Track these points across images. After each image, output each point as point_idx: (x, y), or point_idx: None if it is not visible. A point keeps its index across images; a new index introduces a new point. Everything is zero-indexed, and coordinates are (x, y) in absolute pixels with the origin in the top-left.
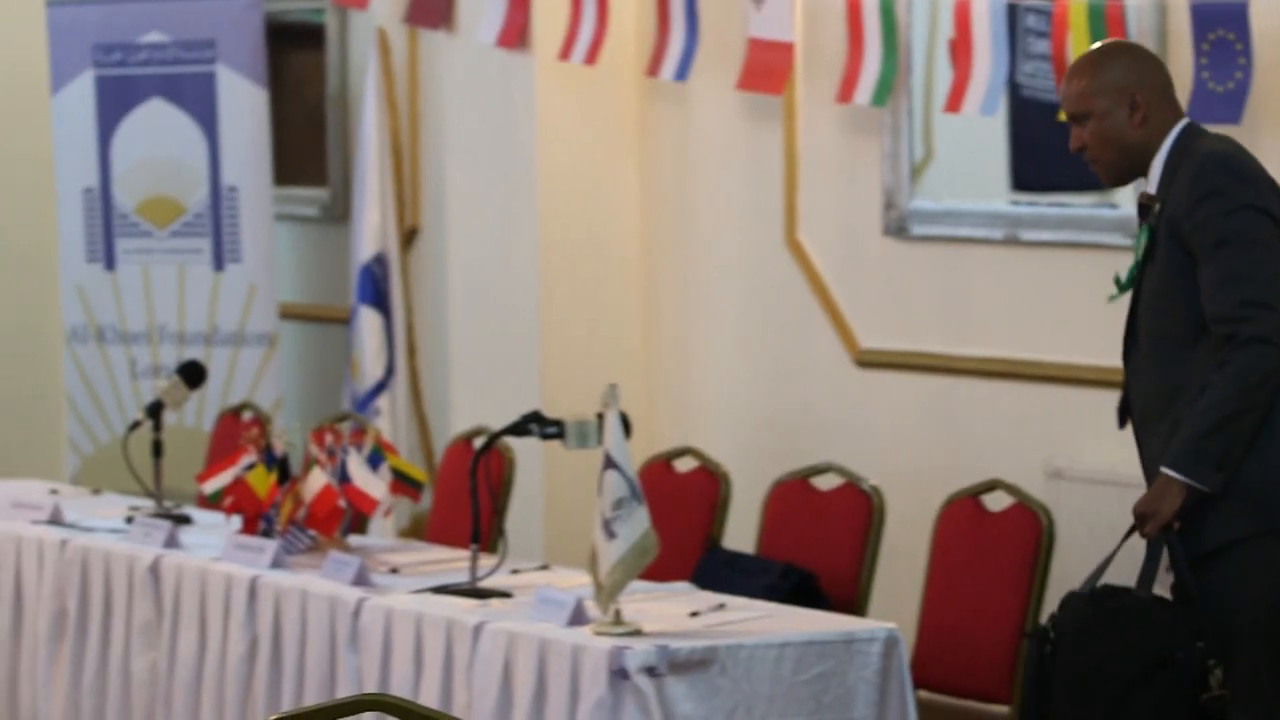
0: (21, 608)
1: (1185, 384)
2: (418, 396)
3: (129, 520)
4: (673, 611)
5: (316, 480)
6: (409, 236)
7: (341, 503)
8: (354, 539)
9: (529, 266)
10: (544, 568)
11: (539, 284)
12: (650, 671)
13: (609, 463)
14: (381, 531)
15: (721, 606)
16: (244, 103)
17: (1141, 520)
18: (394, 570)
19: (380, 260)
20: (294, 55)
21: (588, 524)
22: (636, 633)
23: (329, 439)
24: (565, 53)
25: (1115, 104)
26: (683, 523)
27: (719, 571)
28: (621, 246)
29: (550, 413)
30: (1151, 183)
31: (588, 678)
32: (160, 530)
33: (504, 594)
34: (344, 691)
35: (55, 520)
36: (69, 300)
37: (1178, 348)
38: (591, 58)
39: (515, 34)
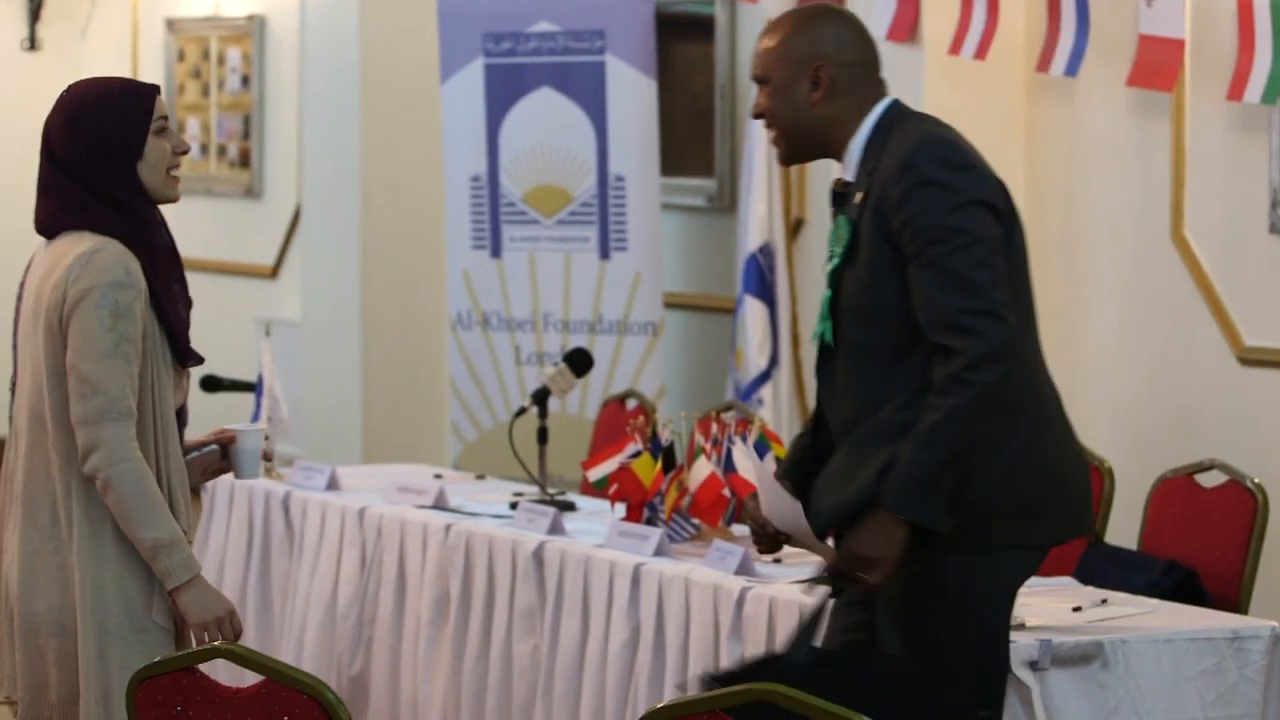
0: (405, 591)
1: (893, 401)
2: (801, 387)
3: (513, 506)
4: (1056, 606)
5: (702, 469)
6: (795, 228)
7: (726, 492)
8: (737, 528)
9: None
10: None
11: None
12: (1033, 665)
13: None
14: None
15: (1104, 602)
16: (633, 93)
17: (863, 564)
18: (777, 560)
19: (766, 251)
20: (681, 46)
21: None
22: (1020, 626)
23: (714, 428)
24: (955, 47)
25: (796, 75)
26: None
27: (1101, 567)
28: None
29: None
30: (849, 168)
31: None
32: (545, 517)
33: None
34: None
35: (440, 505)
36: (455, 286)
37: (885, 360)
38: (982, 53)
39: (905, 27)
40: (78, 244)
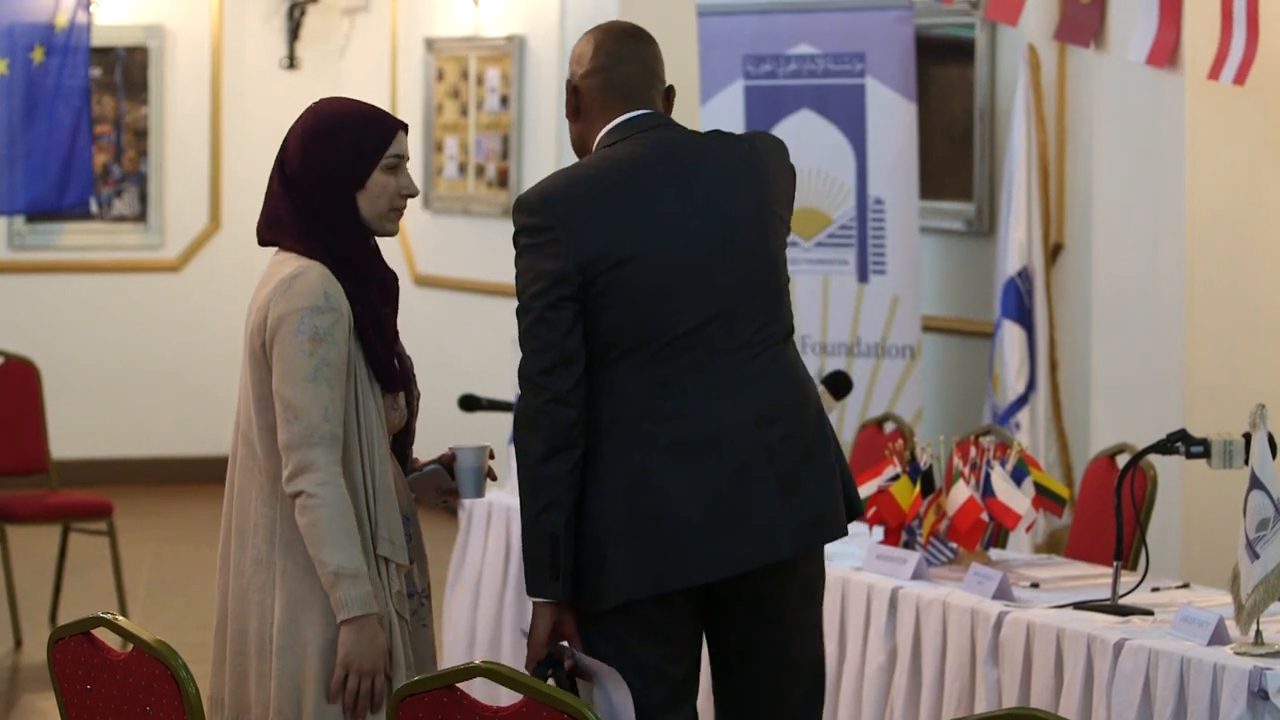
0: None
1: None
2: (1058, 412)
3: None
4: None
5: (960, 493)
6: (1054, 252)
7: (984, 516)
8: (994, 553)
9: (1174, 285)
10: (1184, 586)
11: (1184, 303)
12: None
13: (1254, 483)
14: (1020, 546)
15: None
16: (892, 116)
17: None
18: (1035, 585)
19: (1024, 275)
20: (939, 69)
21: (1228, 543)
22: (1278, 654)
23: (973, 452)
24: (1215, 72)
25: None
26: None
27: None
28: (1270, 268)
29: (1191, 431)
30: None
31: (1227, 697)
32: None
33: (1145, 611)
34: (983, 705)
35: None
36: None
37: None
38: (1240, 78)
39: (1165, 52)
40: (284, 267)
